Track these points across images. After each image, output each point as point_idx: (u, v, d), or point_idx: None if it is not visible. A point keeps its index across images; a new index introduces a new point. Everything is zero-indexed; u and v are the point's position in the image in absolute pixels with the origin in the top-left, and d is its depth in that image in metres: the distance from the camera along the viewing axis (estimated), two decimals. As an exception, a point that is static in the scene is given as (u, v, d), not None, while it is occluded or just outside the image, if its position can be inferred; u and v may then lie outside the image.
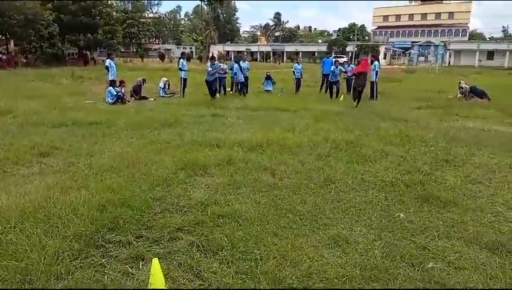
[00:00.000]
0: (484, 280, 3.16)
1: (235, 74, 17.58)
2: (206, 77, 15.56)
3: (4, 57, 37.65)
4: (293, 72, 19.30)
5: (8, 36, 38.33)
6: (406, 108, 13.47)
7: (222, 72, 17.34)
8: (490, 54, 62.57)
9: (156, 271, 2.95)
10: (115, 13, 54.28)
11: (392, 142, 7.79)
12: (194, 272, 3.22)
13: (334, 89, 16.73)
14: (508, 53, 58.68)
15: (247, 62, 19.50)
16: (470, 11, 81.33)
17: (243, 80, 17.71)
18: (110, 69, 15.07)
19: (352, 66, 18.60)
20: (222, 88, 17.62)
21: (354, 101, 14.13)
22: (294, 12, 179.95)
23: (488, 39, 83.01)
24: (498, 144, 7.95)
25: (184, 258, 3.41)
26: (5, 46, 41.63)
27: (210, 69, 15.44)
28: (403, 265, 3.36)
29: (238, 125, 9.58)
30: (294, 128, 8.93)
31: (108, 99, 13.98)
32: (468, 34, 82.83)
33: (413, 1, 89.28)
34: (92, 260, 3.34)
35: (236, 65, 17.62)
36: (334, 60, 18.55)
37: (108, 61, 15.49)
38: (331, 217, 4.31)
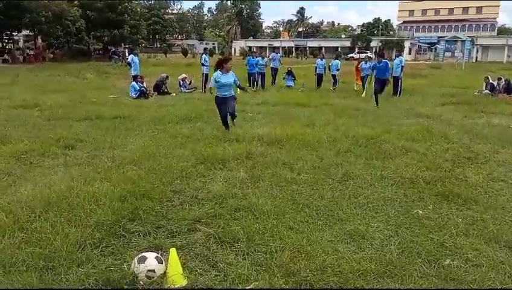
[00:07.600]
0: (502, 278, 3.12)
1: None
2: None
3: (32, 53, 38.76)
4: (315, 67, 19.12)
5: (36, 32, 39.36)
6: (430, 104, 13.19)
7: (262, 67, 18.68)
8: (520, 50, 60.54)
9: (173, 261, 3.04)
10: (139, 9, 55.04)
11: (414, 138, 7.68)
12: (210, 262, 3.28)
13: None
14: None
15: (265, 58, 19.89)
16: (498, 6, 78.94)
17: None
18: (132, 65, 15.31)
19: (370, 63, 18.08)
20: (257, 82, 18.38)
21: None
22: (315, 8, 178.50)
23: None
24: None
25: (201, 249, 3.48)
26: (33, 42, 42.83)
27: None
28: (419, 261, 3.34)
29: (258, 120, 9.61)
30: (314, 124, 8.90)
31: (132, 94, 14.25)
32: (496, 29, 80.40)
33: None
34: (113, 248, 3.45)
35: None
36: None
37: (131, 57, 15.80)
38: (348, 213, 4.30)
